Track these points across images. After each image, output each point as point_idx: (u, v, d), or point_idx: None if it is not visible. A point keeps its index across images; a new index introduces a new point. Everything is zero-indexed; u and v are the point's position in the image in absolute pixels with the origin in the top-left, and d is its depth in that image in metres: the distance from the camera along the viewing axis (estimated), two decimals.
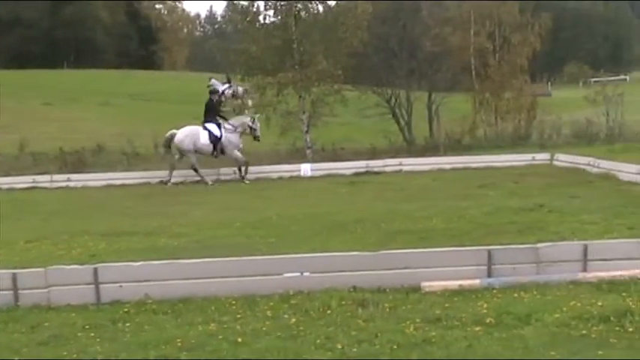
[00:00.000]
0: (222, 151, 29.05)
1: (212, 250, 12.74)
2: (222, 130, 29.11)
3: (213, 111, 29.63)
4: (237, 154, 29.33)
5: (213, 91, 30.97)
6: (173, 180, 28.77)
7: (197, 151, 28.82)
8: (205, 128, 29.05)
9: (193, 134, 28.98)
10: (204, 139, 28.89)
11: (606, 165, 24.99)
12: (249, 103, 34.56)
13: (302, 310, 9.30)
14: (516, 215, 16.52)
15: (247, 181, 28.56)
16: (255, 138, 30.04)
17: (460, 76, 46.99)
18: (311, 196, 23.83)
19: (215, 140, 28.94)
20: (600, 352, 7.34)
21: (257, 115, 30.83)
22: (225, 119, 29.88)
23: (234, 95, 33.62)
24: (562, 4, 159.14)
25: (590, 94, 43.98)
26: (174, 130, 29.34)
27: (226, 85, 33.28)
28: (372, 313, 9.01)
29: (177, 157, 29.18)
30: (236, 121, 29.85)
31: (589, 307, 8.59)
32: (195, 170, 28.81)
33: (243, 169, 29.30)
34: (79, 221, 19.43)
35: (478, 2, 46.07)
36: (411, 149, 40.11)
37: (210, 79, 33.73)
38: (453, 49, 45.83)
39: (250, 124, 29.67)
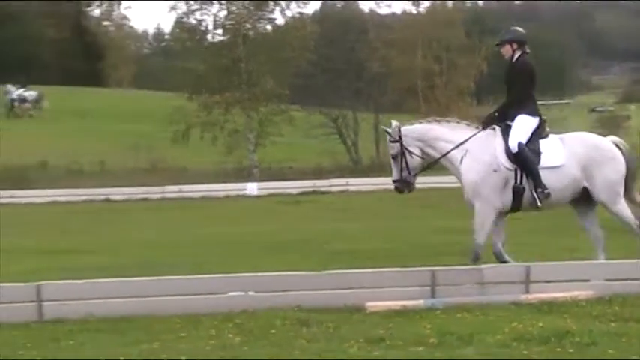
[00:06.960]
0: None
1: (156, 269, 12.63)
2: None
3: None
4: None
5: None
6: None
7: None
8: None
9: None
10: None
11: None
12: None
13: (246, 330, 9.23)
14: (459, 235, 16.60)
15: None
16: None
17: (406, 97, 47.40)
18: (256, 215, 23.78)
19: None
20: None
21: None
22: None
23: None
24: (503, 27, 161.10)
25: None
26: None
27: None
28: (316, 333, 8.99)
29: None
30: None
31: (530, 328, 8.66)
32: None
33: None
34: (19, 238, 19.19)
35: (424, 25, 46.58)
36: (357, 169, 40.26)
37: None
38: (400, 71, 46.22)
39: None
